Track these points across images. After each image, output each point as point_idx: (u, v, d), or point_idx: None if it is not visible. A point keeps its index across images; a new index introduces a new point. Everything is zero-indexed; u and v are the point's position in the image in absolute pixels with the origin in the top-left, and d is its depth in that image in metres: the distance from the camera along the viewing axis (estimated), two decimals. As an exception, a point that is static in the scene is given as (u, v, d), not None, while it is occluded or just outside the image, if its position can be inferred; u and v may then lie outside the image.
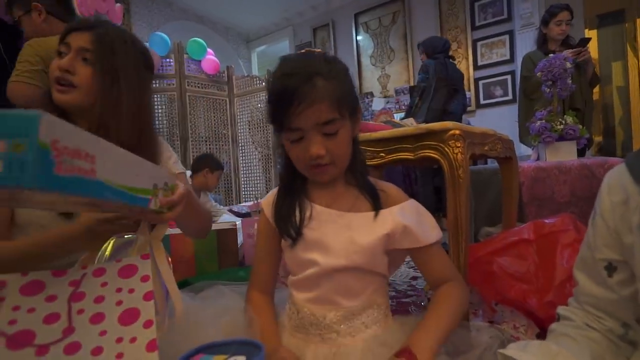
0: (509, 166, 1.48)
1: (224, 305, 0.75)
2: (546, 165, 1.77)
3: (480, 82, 3.95)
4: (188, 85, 3.34)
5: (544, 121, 1.89)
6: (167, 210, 0.59)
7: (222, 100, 3.65)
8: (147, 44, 2.77)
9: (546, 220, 1.19)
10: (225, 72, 3.68)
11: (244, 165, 3.76)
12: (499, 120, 3.62)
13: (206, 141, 3.54)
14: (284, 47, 5.58)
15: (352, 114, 0.67)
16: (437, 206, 2.66)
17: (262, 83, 3.53)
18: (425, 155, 1.02)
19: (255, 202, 2.81)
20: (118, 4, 2.32)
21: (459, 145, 0.96)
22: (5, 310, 0.46)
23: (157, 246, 0.64)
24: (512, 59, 3.76)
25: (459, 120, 2.74)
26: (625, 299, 0.56)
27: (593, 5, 3.73)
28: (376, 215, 0.68)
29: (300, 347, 0.67)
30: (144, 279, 0.53)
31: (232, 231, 1.50)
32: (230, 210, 2.53)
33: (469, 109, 3.81)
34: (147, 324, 0.49)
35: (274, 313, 0.74)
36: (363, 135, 1.11)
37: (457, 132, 0.97)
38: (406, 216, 0.67)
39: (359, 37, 4.80)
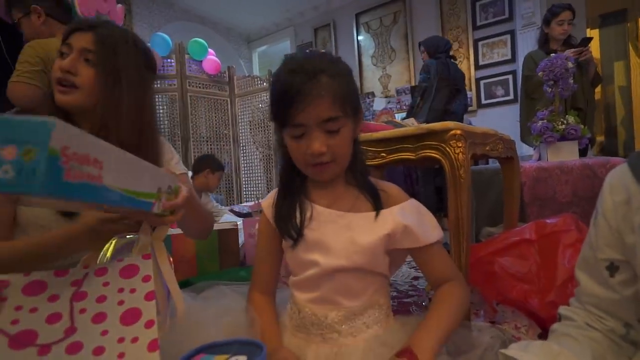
0: (510, 166, 1.48)
1: (225, 305, 0.75)
2: (548, 165, 1.77)
3: (482, 82, 3.94)
4: (189, 86, 3.35)
5: (545, 121, 1.89)
6: (169, 213, 0.59)
7: (224, 100, 3.66)
8: (148, 45, 2.77)
9: (548, 221, 1.19)
10: (227, 73, 3.68)
11: (245, 165, 3.76)
12: (500, 120, 3.61)
13: (207, 141, 3.54)
14: (285, 47, 5.58)
15: (355, 114, 0.67)
16: (438, 206, 2.66)
17: (263, 83, 3.54)
18: (426, 155, 1.02)
19: (257, 202, 2.81)
20: (119, 5, 2.32)
21: (460, 145, 0.96)
22: (8, 310, 0.46)
23: (159, 246, 0.64)
24: (513, 59, 3.76)
25: (461, 120, 2.74)
26: (627, 299, 0.56)
27: (595, 4, 3.73)
28: (377, 215, 0.68)
29: (301, 347, 0.67)
30: (146, 279, 0.53)
31: (234, 231, 1.50)
32: (232, 210, 2.53)
33: (470, 108, 3.80)
34: (149, 324, 0.49)
35: (275, 313, 0.74)
36: (364, 135, 1.11)
37: (459, 132, 0.97)
38: (407, 216, 0.67)
39: (360, 37, 4.79)
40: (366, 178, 0.72)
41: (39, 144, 0.32)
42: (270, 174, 3.59)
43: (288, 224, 0.69)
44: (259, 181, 3.69)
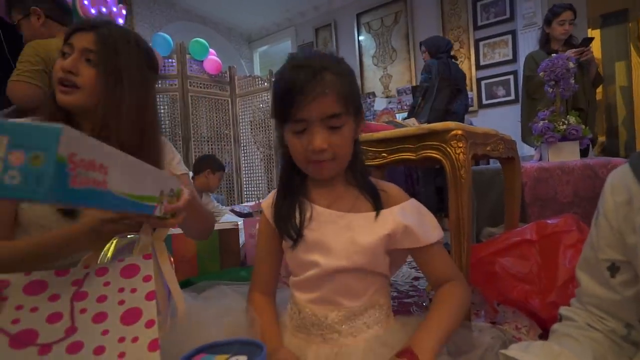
0: (511, 166, 1.48)
1: (226, 305, 0.75)
2: (549, 165, 1.76)
3: (483, 82, 3.94)
4: (190, 86, 3.35)
5: (546, 121, 1.89)
6: (170, 216, 0.59)
7: (224, 100, 3.66)
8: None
9: (549, 221, 1.19)
10: (228, 73, 3.68)
11: (246, 165, 3.76)
12: (501, 120, 3.61)
13: (208, 141, 3.54)
14: (286, 47, 5.59)
15: (356, 114, 0.67)
16: (439, 206, 2.66)
17: (264, 83, 3.54)
18: (427, 155, 1.01)
19: (257, 202, 2.81)
20: (120, 5, 2.33)
21: (461, 145, 0.96)
22: (9, 309, 0.46)
23: (160, 246, 0.64)
24: (514, 59, 3.75)
25: (461, 120, 2.74)
26: (628, 300, 0.56)
27: (596, 4, 3.72)
28: (377, 215, 0.68)
29: (301, 347, 0.67)
30: (146, 278, 0.53)
31: (234, 231, 1.50)
32: (232, 210, 2.53)
33: (471, 109, 3.80)
34: (149, 324, 0.49)
35: (275, 314, 0.74)
36: (365, 135, 1.11)
37: (459, 132, 0.96)
38: (407, 216, 0.67)
39: (361, 37, 4.80)
40: (366, 178, 0.72)
41: (47, 150, 0.31)
42: (271, 174, 3.59)
43: (287, 224, 0.69)
44: (260, 181, 3.69)
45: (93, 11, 2.54)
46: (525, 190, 1.73)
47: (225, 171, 3.14)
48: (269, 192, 0.77)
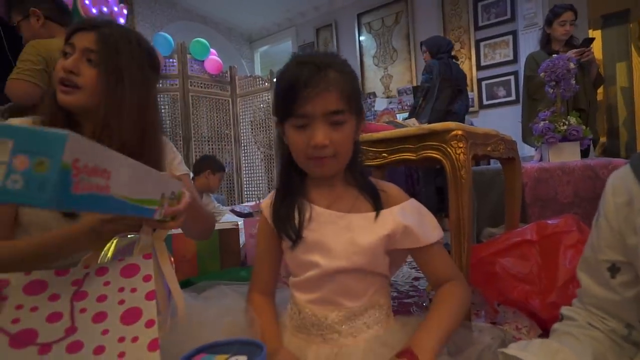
0: (511, 167, 1.48)
1: (226, 305, 0.75)
2: (549, 166, 1.76)
3: (483, 83, 3.94)
4: (191, 86, 3.36)
5: (547, 122, 1.88)
6: (170, 219, 0.59)
7: (225, 100, 3.66)
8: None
9: (549, 221, 1.19)
10: (228, 72, 3.69)
11: (247, 165, 3.77)
12: (501, 120, 3.61)
13: (209, 141, 3.55)
14: (286, 47, 5.58)
15: (358, 113, 0.67)
16: (439, 207, 2.66)
17: (265, 83, 3.54)
18: (427, 155, 1.01)
19: (258, 202, 2.81)
20: (121, 5, 2.33)
21: (462, 145, 0.96)
22: (9, 309, 0.46)
23: (160, 246, 0.64)
24: (515, 60, 3.75)
25: (462, 120, 2.73)
26: (628, 301, 0.56)
27: (597, 5, 3.72)
28: (377, 215, 0.68)
29: (301, 347, 0.67)
30: (146, 278, 0.53)
31: (234, 231, 1.50)
32: (233, 211, 2.53)
33: (471, 109, 3.80)
34: (149, 324, 0.49)
35: (274, 314, 0.74)
36: (365, 136, 1.11)
37: (460, 132, 0.96)
38: (407, 216, 0.67)
39: (361, 38, 4.79)
40: (366, 178, 0.72)
41: (52, 157, 0.31)
42: (271, 174, 3.59)
43: (287, 225, 0.69)
44: (260, 181, 3.69)
45: (94, 11, 2.55)
46: (525, 190, 1.73)
47: (226, 171, 3.14)
48: (270, 192, 0.77)
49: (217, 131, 3.62)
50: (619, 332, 0.58)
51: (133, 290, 0.51)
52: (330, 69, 0.62)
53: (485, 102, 3.94)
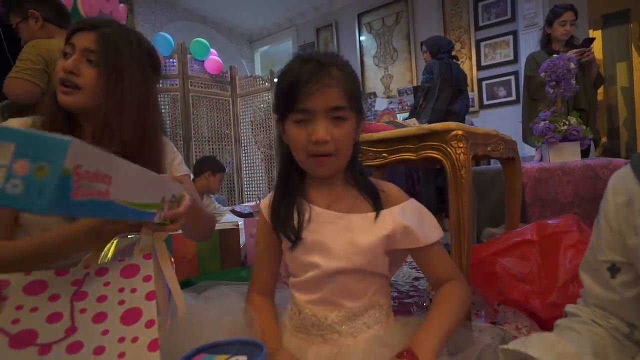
0: (512, 167, 1.48)
1: (226, 305, 0.75)
2: (549, 166, 1.76)
3: (484, 83, 3.94)
4: (191, 86, 3.36)
5: (547, 122, 1.88)
6: (169, 222, 0.59)
7: (225, 100, 3.66)
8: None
9: (549, 221, 1.19)
10: (228, 72, 3.69)
11: (247, 165, 3.77)
12: (502, 120, 3.61)
13: (209, 141, 3.55)
14: (286, 47, 5.58)
15: (358, 112, 0.67)
16: (439, 207, 2.66)
17: (265, 83, 3.54)
18: (427, 155, 1.01)
19: (258, 202, 2.81)
20: (121, 5, 2.33)
21: (462, 145, 0.96)
22: (9, 309, 0.46)
23: (160, 246, 0.64)
24: (515, 60, 3.75)
25: (462, 120, 2.73)
26: (628, 300, 0.56)
27: (597, 5, 3.72)
28: (377, 215, 0.68)
29: (301, 347, 0.67)
30: (146, 278, 0.53)
31: (235, 231, 1.50)
32: (233, 211, 2.53)
33: (472, 109, 3.80)
34: (149, 324, 0.49)
35: (274, 314, 0.74)
36: (366, 136, 1.11)
37: (460, 132, 0.96)
38: (407, 216, 0.67)
39: (362, 38, 4.79)
40: (366, 178, 0.72)
41: (53, 162, 0.31)
42: (271, 174, 3.59)
43: (286, 225, 0.69)
44: (261, 181, 3.69)
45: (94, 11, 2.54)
46: (525, 190, 1.73)
47: (226, 171, 3.13)
48: (270, 192, 0.77)
49: (218, 131, 3.62)
50: (621, 330, 0.58)
51: (133, 290, 0.51)
52: (333, 67, 0.63)
53: (485, 102, 3.94)
